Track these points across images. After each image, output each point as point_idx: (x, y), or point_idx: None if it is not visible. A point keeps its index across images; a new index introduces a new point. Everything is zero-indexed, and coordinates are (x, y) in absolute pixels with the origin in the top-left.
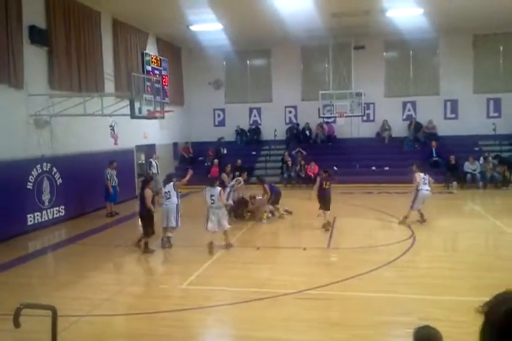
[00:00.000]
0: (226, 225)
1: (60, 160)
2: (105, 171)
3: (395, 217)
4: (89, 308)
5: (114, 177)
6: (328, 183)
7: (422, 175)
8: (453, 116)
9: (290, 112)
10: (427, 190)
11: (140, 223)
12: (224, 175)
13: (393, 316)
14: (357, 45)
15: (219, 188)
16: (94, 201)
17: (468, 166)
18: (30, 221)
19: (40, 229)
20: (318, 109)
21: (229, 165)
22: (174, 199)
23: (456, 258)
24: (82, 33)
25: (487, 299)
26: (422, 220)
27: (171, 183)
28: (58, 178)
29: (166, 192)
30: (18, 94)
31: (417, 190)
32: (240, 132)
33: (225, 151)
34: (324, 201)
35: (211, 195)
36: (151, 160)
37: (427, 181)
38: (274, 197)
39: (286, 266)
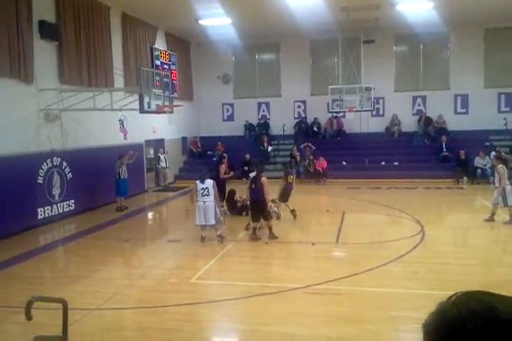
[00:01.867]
0: None
1: (69, 154)
2: (116, 164)
3: (404, 212)
4: (99, 302)
5: (125, 170)
6: (292, 177)
7: (504, 167)
8: (463, 110)
9: (299, 107)
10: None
11: (256, 209)
12: (222, 167)
13: (402, 311)
14: (367, 39)
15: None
16: (103, 195)
17: (478, 161)
18: (41, 215)
19: (51, 223)
20: (328, 104)
21: (226, 156)
22: (212, 196)
23: (465, 254)
24: (92, 28)
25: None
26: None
27: (209, 180)
28: (68, 172)
29: (203, 189)
30: (28, 89)
31: (502, 186)
32: (248, 127)
33: (269, 148)
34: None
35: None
36: (159, 154)
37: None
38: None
39: (295, 261)
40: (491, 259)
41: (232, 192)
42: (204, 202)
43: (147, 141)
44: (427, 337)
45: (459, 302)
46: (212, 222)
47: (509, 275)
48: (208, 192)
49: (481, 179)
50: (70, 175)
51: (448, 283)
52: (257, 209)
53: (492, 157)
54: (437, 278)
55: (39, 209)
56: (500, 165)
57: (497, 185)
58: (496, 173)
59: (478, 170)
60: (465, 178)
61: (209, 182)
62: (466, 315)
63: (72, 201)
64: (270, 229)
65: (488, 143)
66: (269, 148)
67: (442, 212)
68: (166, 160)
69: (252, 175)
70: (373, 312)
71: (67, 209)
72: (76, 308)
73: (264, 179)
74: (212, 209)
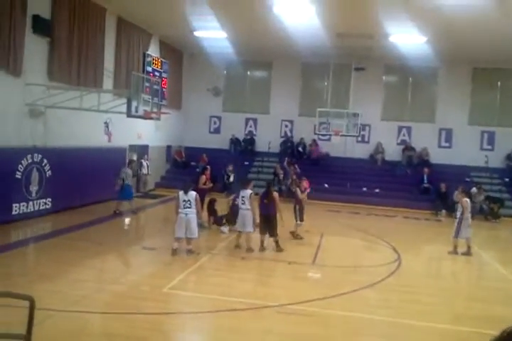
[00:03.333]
0: (249, 228)
1: (51, 152)
2: (122, 170)
3: (381, 239)
4: (67, 303)
5: (130, 175)
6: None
7: (468, 201)
8: (447, 145)
9: (286, 126)
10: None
11: (265, 224)
12: (203, 177)
13: (371, 338)
14: (358, 66)
15: (250, 191)
16: (81, 196)
17: None
18: (16, 210)
19: (25, 219)
20: (314, 126)
21: (208, 168)
22: (194, 209)
23: (438, 286)
24: (86, 27)
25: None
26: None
27: (193, 192)
28: (48, 170)
29: (185, 201)
30: (15, 82)
31: (462, 218)
32: (234, 141)
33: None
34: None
35: (242, 197)
36: (142, 160)
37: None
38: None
39: (270, 279)
40: (462, 293)
41: (213, 201)
42: (186, 214)
43: (131, 146)
44: None
45: None
46: (195, 235)
47: (478, 310)
48: (190, 204)
49: None
50: (49, 173)
51: (418, 314)
52: (268, 223)
53: (460, 190)
54: (409, 307)
55: (14, 205)
56: (465, 199)
57: (459, 216)
58: (459, 206)
59: (457, 204)
60: (443, 211)
61: (192, 195)
62: None
63: (49, 199)
64: (277, 242)
65: (468, 179)
66: (231, 178)
67: (419, 242)
68: (148, 166)
69: (244, 192)
70: (343, 336)
71: (44, 207)
72: (43, 308)
73: (275, 194)
74: (194, 222)
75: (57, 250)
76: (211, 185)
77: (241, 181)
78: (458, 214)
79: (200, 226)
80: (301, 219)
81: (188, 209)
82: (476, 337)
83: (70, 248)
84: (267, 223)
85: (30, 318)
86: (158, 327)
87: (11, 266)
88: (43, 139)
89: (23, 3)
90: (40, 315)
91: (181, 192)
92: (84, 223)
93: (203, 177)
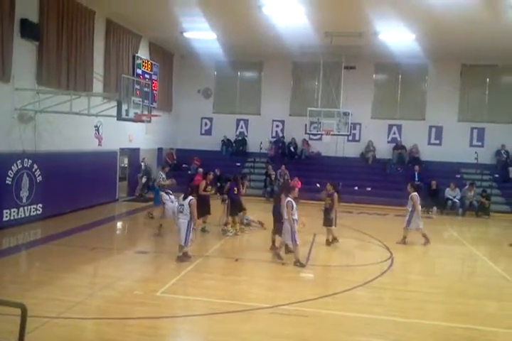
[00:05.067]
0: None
1: (41, 157)
2: (158, 174)
3: (374, 237)
4: (60, 310)
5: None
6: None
7: (417, 195)
8: (437, 142)
9: (277, 126)
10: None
11: (277, 224)
12: (203, 182)
13: (366, 337)
14: (348, 65)
15: (289, 200)
16: (73, 201)
17: (448, 192)
18: (6, 216)
19: (16, 225)
20: (305, 126)
21: (211, 173)
22: (186, 215)
23: (431, 283)
24: (75, 31)
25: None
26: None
27: (189, 198)
28: (38, 175)
29: (180, 205)
30: (3, 87)
31: (412, 211)
32: (226, 142)
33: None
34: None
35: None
36: (142, 163)
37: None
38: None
39: (264, 280)
40: (455, 289)
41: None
42: (178, 218)
43: (122, 149)
44: None
45: None
46: (181, 241)
47: (472, 305)
48: (182, 209)
49: (450, 210)
50: (39, 179)
51: (413, 311)
52: (279, 223)
53: (409, 186)
54: (402, 305)
55: (5, 211)
56: (414, 193)
57: (410, 209)
58: (409, 200)
59: (449, 202)
60: (435, 208)
61: (187, 200)
62: None
63: (40, 205)
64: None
65: (458, 176)
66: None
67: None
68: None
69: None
70: (338, 336)
71: (34, 213)
72: (35, 316)
73: (289, 200)
74: (183, 228)
75: (49, 256)
76: (213, 191)
77: (282, 187)
78: (409, 207)
79: (202, 230)
80: (334, 224)
81: (180, 214)
82: (468, 333)
83: (63, 254)
84: (279, 223)
85: (21, 326)
86: (151, 332)
87: (3, 273)
88: (32, 144)
89: (11, 7)
90: (33, 322)
91: (181, 197)
92: (76, 228)
93: (203, 183)
